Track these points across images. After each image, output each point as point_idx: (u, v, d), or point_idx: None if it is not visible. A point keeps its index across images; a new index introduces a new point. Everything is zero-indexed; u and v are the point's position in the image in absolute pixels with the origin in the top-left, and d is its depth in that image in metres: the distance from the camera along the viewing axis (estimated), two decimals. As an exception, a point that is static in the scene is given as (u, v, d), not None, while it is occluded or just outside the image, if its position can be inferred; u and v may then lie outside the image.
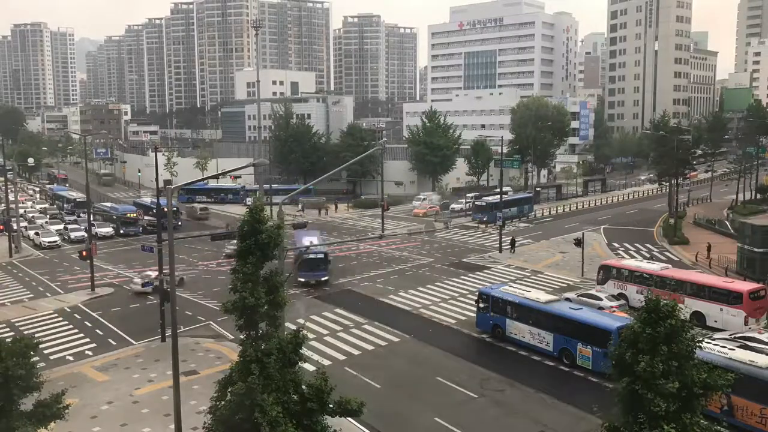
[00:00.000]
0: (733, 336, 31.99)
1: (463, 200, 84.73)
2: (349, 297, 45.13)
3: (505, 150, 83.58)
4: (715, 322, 36.83)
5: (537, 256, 57.99)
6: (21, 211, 73.49)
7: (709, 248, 55.07)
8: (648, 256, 56.57)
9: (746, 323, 35.61)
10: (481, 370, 31.76)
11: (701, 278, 40.63)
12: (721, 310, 36.90)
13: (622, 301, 40.51)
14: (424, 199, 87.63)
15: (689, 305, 36.26)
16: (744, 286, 37.92)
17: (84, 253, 47.03)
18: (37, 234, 66.82)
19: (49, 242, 64.98)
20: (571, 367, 31.74)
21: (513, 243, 60.21)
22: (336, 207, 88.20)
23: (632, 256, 54.98)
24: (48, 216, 79.45)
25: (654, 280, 40.10)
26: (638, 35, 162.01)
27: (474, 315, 38.19)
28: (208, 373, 30.32)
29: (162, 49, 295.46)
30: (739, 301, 36.14)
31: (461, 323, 39.10)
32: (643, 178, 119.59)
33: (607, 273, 43.75)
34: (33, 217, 78.31)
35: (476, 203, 77.39)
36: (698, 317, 37.06)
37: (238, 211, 76.36)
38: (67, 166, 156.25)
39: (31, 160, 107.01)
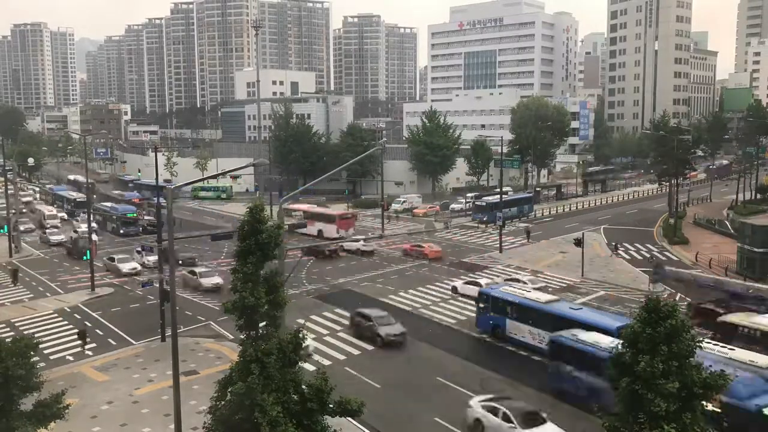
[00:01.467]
0: (505, 280, 43.96)
1: (463, 200, 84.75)
2: (349, 297, 45.07)
3: (505, 150, 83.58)
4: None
5: (537, 256, 57.98)
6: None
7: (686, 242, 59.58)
8: (648, 255, 56.59)
9: (337, 232, 63.71)
10: (481, 370, 31.76)
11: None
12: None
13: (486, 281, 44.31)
14: (403, 201, 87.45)
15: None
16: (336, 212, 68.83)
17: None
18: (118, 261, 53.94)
19: (129, 269, 52.59)
20: (571, 367, 31.69)
21: (528, 233, 64.20)
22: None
23: (632, 256, 54.95)
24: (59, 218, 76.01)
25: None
26: (638, 35, 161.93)
27: (474, 315, 38.22)
28: (208, 373, 30.30)
29: (162, 49, 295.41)
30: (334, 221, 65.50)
31: (461, 323, 39.10)
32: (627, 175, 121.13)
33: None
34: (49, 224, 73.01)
35: (476, 203, 77.41)
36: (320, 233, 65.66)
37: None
38: (68, 166, 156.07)
39: (31, 160, 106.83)
